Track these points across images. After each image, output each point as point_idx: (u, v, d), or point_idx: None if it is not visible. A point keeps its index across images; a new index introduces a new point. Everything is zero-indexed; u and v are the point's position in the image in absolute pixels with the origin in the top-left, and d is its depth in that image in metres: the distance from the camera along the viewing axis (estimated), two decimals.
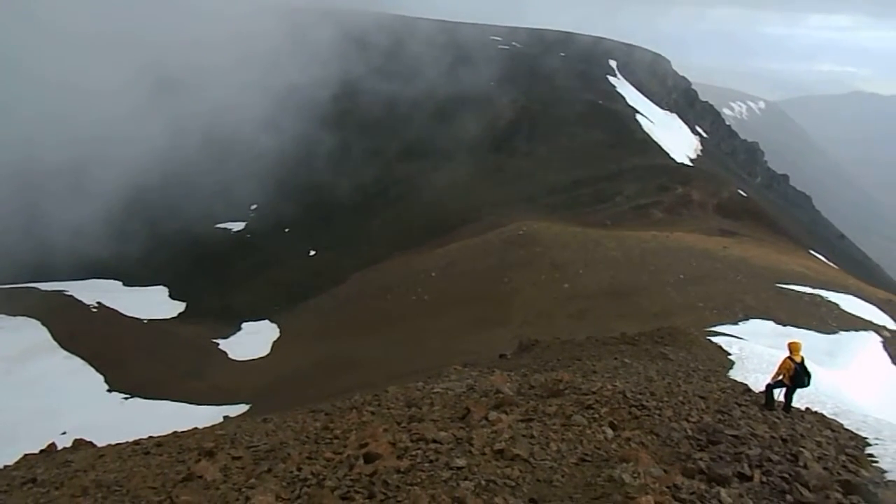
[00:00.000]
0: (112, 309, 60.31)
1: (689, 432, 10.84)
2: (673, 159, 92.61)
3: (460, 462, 9.20)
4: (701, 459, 9.55)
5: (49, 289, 63.86)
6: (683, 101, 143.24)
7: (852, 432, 12.55)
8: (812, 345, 23.88)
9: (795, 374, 12.63)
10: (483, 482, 8.65)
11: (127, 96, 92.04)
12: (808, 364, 12.80)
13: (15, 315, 54.63)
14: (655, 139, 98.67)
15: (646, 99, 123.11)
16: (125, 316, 59.81)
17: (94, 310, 59.23)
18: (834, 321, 32.65)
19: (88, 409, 41.86)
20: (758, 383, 15.75)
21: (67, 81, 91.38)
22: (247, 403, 40.47)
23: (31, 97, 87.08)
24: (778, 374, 12.93)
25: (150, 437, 14.53)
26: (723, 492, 8.45)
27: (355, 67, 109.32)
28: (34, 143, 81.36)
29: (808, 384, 12.81)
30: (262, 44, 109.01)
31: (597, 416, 11.32)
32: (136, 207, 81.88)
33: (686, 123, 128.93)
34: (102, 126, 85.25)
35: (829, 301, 36.65)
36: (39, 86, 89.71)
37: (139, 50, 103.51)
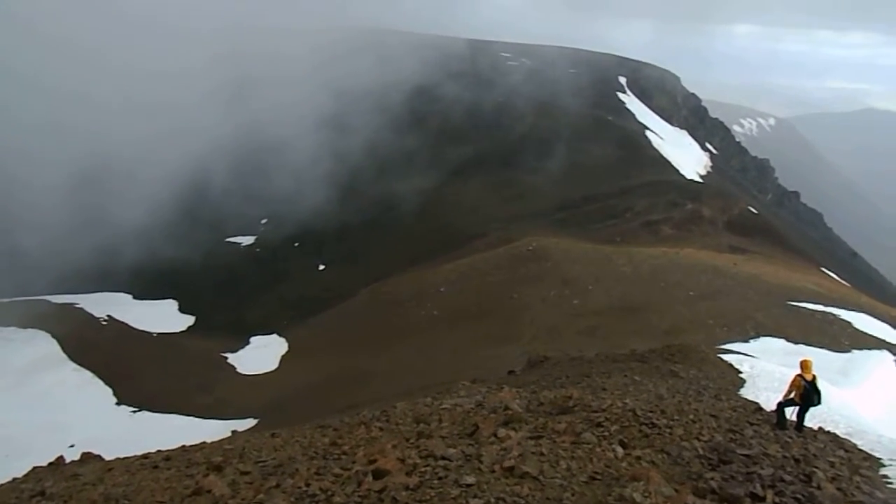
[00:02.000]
0: (121, 322, 60.62)
1: (701, 451, 10.73)
2: (683, 176, 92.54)
3: (469, 479, 9.13)
4: (712, 479, 9.45)
5: (60, 301, 64.26)
6: (693, 118, 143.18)
7: (866, 453, 12.40)
8: (825, 363, 23.67)
9: (805, 392, 12.56)
10: (492, 500, 8.59)
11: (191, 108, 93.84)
12: (819, 382, 12.70)
13: (25, 327, 54.98)
14: (665, 155, 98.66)
15: (655, 115, 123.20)
16: (134, 329, 60.09)
17: (104, 323, 59.55)
18: (846, 339, 32.35)
19: (97, 423, 41.99)
20: (769, 402, 15.61)
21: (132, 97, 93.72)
22: (255, 418, 40.45)
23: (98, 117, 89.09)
24: (789, 391, 12.86)
25: (159, 450, 14.55)
26: None
27: (374, 84, 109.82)
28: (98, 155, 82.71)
29: (818, 403, 12.71)
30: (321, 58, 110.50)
31: (607, 433, 11.24)
32: (185, 211, 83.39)
33: (696, 140, 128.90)
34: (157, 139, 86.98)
35: (842, 319, 36.35)
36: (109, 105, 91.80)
37: (214, 60, 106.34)
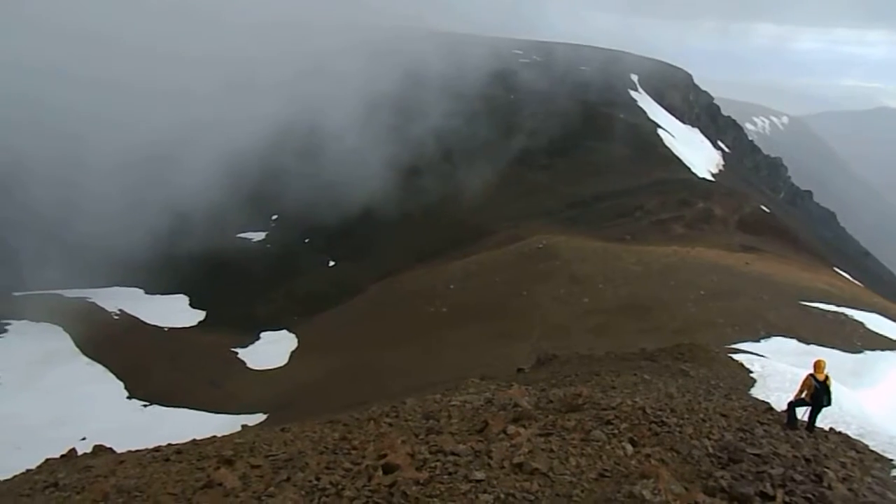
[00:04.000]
0: (133, 317, 61.05)
1: (711, 450, 10.70)
2: (694, 174, 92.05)
3: (479, 475, 9.16)
4: (722, 478, 9.43)
5: (72, 295, 64.77)
6: (705, 116, 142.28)
7: (878, 454, 12.33)
8: (837, 364, 23.47)
9: (816, 393, 12.54)
10: (502, 495, 8.61)
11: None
12: (832, 383, 12.64)
13: (38, 321, 55.49)
14: (677, 154, 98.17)
15: (667, 113, 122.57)
16: (146, 324, 60.48)
17: (116, 317, 60.01)
18: (859, 340, 32.12)
19: (108, 416, 42.35)
20: (780, 402, 15.54)
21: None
22: (265, 413, 40.68)
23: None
24: (800, 391, 12.83)
25: (170, 444, 14.63)
26: None
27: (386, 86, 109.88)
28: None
29: (828, 404, 12.67)
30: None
31: (616, 431, 11.22)
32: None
33: (708, 138, 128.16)
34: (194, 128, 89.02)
35: (854, 319, 36.11)
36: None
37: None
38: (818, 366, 12.68)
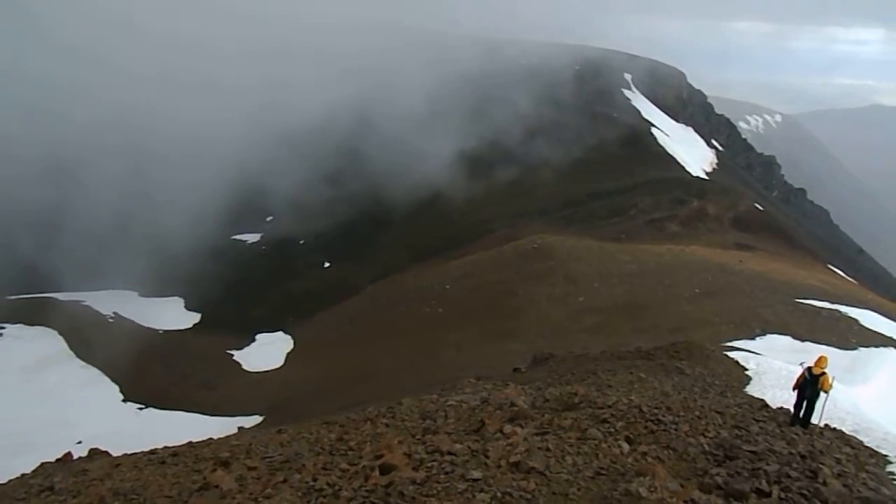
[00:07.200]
0: (128, 319, 60.82)
1: (706, 447, 10.74)
2: (688, 172, 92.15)
3: (476, 474, 9.18)
4: (718, 475, 9.46)
5: (66, 299, 64.51)
6: (699, 115, 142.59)
7: (873, 449, 12.40)
8: (831, 360, 23.55)
9: (803, 383, 12.72)
10: (499, 494, 8.62)
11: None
12: (830, 380, 12.77)
13: (32, 325, 55.24)
14: (671, 152, 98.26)
15: (661, 112, 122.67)
16: (141, 326, 60.27)
17: (111, 320, 59.78)
18: (853, 337, 32.24)
19: (104, 419, 42.16)
20: (775, 399, 15.61)
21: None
22: (261, 415, 40.60)
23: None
24: (796, 383, 13.01)
25: (166, 446, 14.62)
26: None
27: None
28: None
29: (810, 396, 12.84)
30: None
31: (612, 430, 11.25)
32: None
33: (702, 137, 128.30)
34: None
35: (849, 316, 36.21)
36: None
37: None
38: (819, 361, 12.87)
